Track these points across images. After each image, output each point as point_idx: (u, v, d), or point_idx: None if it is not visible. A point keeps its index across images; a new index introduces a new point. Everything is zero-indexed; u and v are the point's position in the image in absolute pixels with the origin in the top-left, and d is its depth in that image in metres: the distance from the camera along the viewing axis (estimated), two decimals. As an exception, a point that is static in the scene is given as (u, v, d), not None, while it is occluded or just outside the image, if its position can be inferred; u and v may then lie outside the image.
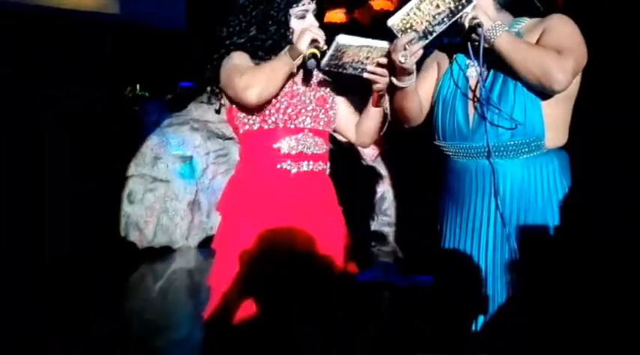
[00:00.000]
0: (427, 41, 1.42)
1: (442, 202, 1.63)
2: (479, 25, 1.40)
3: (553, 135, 1.46)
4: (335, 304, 1.60)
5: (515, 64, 1.40)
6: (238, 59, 1.58)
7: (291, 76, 1.56)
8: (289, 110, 1.58)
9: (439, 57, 1.65)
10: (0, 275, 3.09)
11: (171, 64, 4.71)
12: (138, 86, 4.66)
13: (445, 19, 1.39)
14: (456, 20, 1.40)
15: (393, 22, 1.38)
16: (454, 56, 1.60)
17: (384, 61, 1.42)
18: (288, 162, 1.57)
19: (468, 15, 1.41)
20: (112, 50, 4.62)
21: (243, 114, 1.60)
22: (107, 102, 4.41)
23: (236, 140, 4.49)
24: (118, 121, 4.33)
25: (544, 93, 1.42)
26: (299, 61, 1.50)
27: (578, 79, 1.46)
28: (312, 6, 1.60)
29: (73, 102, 4.25)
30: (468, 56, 1.53)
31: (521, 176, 1.47)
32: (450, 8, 1.38)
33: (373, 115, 1.60)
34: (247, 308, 1.54)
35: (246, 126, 1.60)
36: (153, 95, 4.51)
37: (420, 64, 1.54)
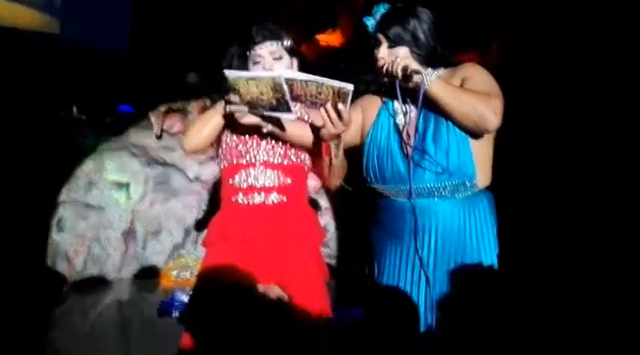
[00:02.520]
0: (252, 112, 1.47)
1: (378, 239, 1.68)
2: (416, 72, 1.49)
3: (481, 176, 1.55)
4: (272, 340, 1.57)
5: (450, 108, 1.48)
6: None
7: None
8: (240, 146, 1.68)
9: (363, 103, 1.73)
10: None
11: (111, 86, 4.57)
12: (75, 108, 4.47)
13: (268, 108, 1.43)
14: (280, 110, 1.43)
15: (228, 74, 1.41)
16: (382, 102, 1.68)
17: (341, 107, 1.42)
18: (240, 195, 1.66)
19: (398, 64, 1.49)
20: (49, 70, 4.44)
21: (217, 157, 1.74)
22: (42, 123, 4.20)
23: (177, 166, 4.36)
24: (52, 143, 4.12)
25: (473, 134, 1.51)
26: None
27: None
28: (265, 50, 1.65)
29: (4, 122, 4.02)
30: (395, 102, 1.63)
31: (458, 215, 1.56)
32: (272, 103, 1.42)
33: (325, 162, 1.63)
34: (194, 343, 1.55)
35: (220, 167, 1.73)
36: (90, 118, 4.33)
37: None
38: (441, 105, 1.49)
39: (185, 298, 3.09)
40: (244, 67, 1.67)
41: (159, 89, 4.08)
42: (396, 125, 1.63)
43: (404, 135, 1.59)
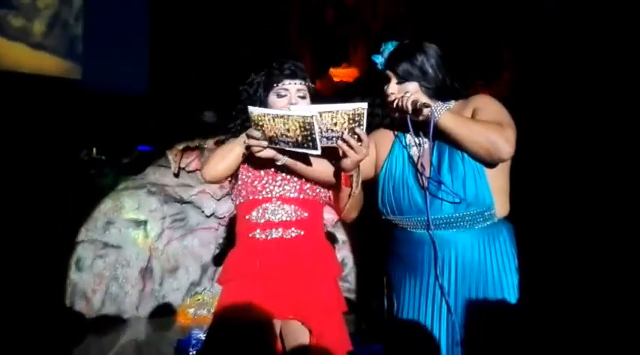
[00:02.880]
0: (271, 147, 1.50)
1: (395, 272, 1.67)
2: (426, 105, 1.51)
3: (499, 205, 1.55)
4: None
5: (462, 139, 1.49)
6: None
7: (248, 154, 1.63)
8: (255, 182, 1.69)
9: (376, 137, 1.73)
10: None
11: (129, 127, 4.69)
12: (94, 149, 4.58)
13: (290, 144, 1.45)
14: (305, 147, 1.44)
15: (252, 110, 1.45)
16: (395, 135, 1.70)
17: (359, 130, 1.46)
18: (258, 230, 1.67)
19: (408, 99, 1.52)
20: (70, 114, 4.58)
21: (232, 193, 1.77)
22: (62, 164, 4.31)
23: (194, 204, 4.38)
24: (73, 184, 4.20)
25: (487, 164, 1.52)
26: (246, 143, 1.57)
27: None
28: (293, 87, 1.69)
29: (27, 163, 4.13)
30: (407, 135, 1.64)
31: (477, 245, 1.54)
32: (298, 139, 1.43)
33: (344, 193, 1.65)
34: None
35: (235, 203, 1.75)
36: (109, 158, 4.43)
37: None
38: (453, 136, 1.50)
39: (202, 336, 3.06)
40: (266, 97, 1.70)
41: (176, 128, 4.17)
42: (410, 157, 1.64)
43: (419, 166, 1.59)
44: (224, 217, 4.17)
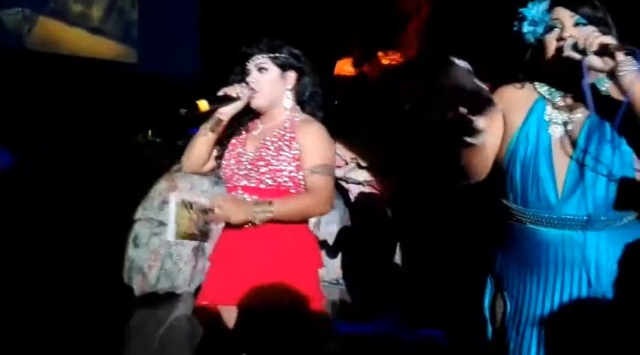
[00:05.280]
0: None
1: (509, 267, 1.45)
2: (626, 48, 1.18)
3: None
4: None
5: None
6: None
7: (224, 138, 1.72)
8: (226, 170, 1.77)
9: (505, 97, 1.46)
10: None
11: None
12: (150, 132, 4.75)
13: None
14: None
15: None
16: (532, 101, 1.40)
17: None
18: None
19: (597, 37, 1.20)
20: (126, 97, 4.75)
21: None
22: (120, 147, 4.49)
23: None
24: (130, 166, 4.39)
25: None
26: (214, 124, 1.68)
27: None
28: (252, 64, 1.70)
29: (86, 148, 4.33)
30: (549, 104, 1.35)
31: (613, 248, 1.33)
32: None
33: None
34: None
35: None
36: (164, 141, 4.59)
37: None
38: (633, 102, 1.19)
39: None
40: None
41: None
42: (546, 137, 1.36)
43: (557, 150, 1.34)
44: (272, 199, 4.26)
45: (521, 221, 1.40)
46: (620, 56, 1.21)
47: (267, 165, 1.66)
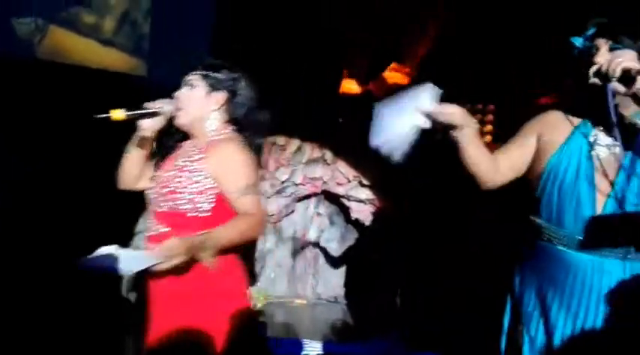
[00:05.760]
0: None
1: (532, 287, 1.41)
2: None
3: None
4: None
5: None
6: None
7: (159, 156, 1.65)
8: (149, 193, 1.66)
9: (543, 126, 1.44)
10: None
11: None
12: (154, 144, 4.80)
13: None
14: None
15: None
16: (575, 125, 1.37)
17: None
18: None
19: (619, 63, 1.17)
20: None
21: None
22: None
23: None
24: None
25: None
26: (138, 139, 1.63)
27: None
28: (188, 78, 1.65)
29: (93, 156, 4.35)
30: (595, 127, 1.31)
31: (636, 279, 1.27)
32: None
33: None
34: None
35: None
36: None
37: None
38: None
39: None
40: None
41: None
42: (587, 160, 1.32)
43: (599, 174, 1.29)
44: (273, 215, 4.27)
45: (551, 241, 1.37)
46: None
47: (174, 190, 1.55)
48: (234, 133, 1.63)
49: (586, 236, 1.29)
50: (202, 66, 1.66)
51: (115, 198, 4.16)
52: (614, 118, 1.21)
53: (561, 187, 1.34)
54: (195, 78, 1.64)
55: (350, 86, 5.53)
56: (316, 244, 4.51)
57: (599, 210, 1.28)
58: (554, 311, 1.35)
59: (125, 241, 3.90)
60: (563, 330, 1.33)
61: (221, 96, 1.63)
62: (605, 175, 1.28)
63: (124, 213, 4.03)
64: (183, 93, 1.64)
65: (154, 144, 1.69)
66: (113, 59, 5.26)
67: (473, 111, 4.93)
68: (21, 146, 3.91)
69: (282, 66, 5.04)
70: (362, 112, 5.28)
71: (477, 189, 1.54)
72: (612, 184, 1.27)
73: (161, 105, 1.63)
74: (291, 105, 4.77)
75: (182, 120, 1.65)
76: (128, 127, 1.70)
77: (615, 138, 1.25)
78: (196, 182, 1.55)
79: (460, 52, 4.67)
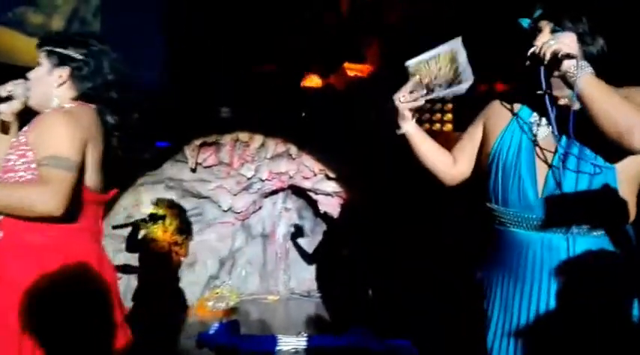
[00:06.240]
0: (427, 97, 1.44)
1: (493, 274, 1.42)
2: (570, 56, 1.22)
3: (624, 210, 1.30)
4: None
5: (597, 111, 1.20)
6: None
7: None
8: None
9: (489, 112, 1.50)
10: None
11: (148, 123, 4.75)
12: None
13: (443, 85, 1.40)
14: (457, 83, 1.37)
15: (409, 63, 1.44)
16: (513, 111, 1.43)
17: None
18: None
19: (550, 46, 1.23)
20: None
21: None
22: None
23: (211, 199, 4.34)
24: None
25: (616, 155, 1.25)
26: None
27: None
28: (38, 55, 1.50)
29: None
30: (533, 109, 1.37)
31: (594, 254, 1.27)
32: (447, 79, 1.40)
33: None
34: None
35: None
36: (128, 154, 4.51)
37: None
38: (587, 106, 1.21)
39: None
40: None
41: (193, 124, 4.22)
42: (528, 139, 1.36)
43: (538, 152, 1.34)
44: (241, 212, 4.22)
45: (503, 224, 1.38)
46: (568, 63, 1.23)
47: (5, 166, 1.43)
48: (78, 107, 1.50)
49: (531, 214, 1.32)
50: (47, 41, 1.52)
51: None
52: (547, 100, 1.28)
53: (504, 167, 1.38)
54: (40, 56, 1.51)
55: (311, 80, 5.51)
56: (285, 239, 4.49)
57: (540, 187, 1.32)
58: (510, 292, 1.36)
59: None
60: (519, 311, 1.34)
61: (64, 72, 1.50)
62: (544, 154, 1.33)
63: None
64: (30, 73, 1.52)
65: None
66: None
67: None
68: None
69: (242, 61, 4.98)
70: (324, 105, 5.29)
71: (444, 187, 1.58)
72: (551, 163, 1.31)
73: (12, 88, 1.51)
74: (252, 100, 4.71)
75: (32, 101, 1.53)
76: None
77: (550, 120, 1.30)
78: (20, 155, 1.43)
79: (419, 40, 4.71)
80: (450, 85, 1.39)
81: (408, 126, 1.49)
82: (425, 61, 1.41)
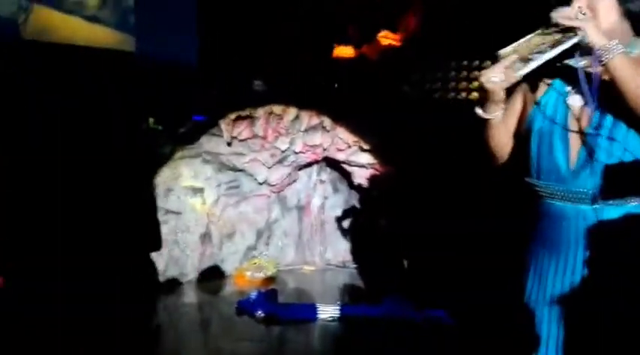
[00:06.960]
0: (526, 70, 1.29)
1: (533, 247, 1.43)
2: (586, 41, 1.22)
3: None
4: None
5: (627, 92, 1.21)
6: None
7: None
8: None
9: (526, 87, 1.45)
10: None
11: (184, 97, 4.81)
12: (151, 120, 4.74)
13: (548, 49, 1.27)
14: (565, 40, 1.26)
15: (503, 51, 1.32)
16: (550, 83, 1.40)
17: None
18: None
19: (580, 7, 1.24)
20: (126, 85, 4.73)
21: None
22: (122, 135, 4.48)
23: (247, 171, 4.42)
24: (132, 154, 4.38)
25: None
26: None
27: None
28: None
29: (87, 136, 4.31)
30: (567, 82, 1.35)
31: (626, 225, 1.27)
32: (552, 42, 1.27)
33: None
34: None
35: None
36: (166, 128, 4.58)
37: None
38: (617, 88, 1.21)
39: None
40: None
41: (228, 98, 4.25)
42: (562, 111, 1.34)
43: (573, 120, 1.31)
44: (276, 185, 4.27)
45: (541, 197, 1.37)
46: (582, 34, 1.22)
47: None
48: None
49: (562, 184, 1.31)
50: None
51: (113, 175, 4.14)
52: (580, 74, 1.26)
53: (539, 138, 1.36)
54: None
55: (343, 51, 5.44)
56: (320, 210, 4.53)
57: (573, 157, 1.30)
58: (545, 264, 1.36)
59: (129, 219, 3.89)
60: (553, 282, 1.34)
61: None
62: (578, 121, 1.31)
63: (126, 190, 4.00)
64: None
65: None
66: (99, 35, 5.16)
67: (458, 69, 4.88)
68: (10, 127, 3.86)
69: (274, 34, 4.95)
70: (357, 76, 5.22)
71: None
72: (584, 131, 1.29)
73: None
74: (285, 73, 4.70)
75: None
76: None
77: (583, 92, 1.28)
78: None
79: (450, 11, 4.58)
80: (553, 45, 1.27)
81: (499, 111, 1.37)
82: (521, 42, 1.31)
